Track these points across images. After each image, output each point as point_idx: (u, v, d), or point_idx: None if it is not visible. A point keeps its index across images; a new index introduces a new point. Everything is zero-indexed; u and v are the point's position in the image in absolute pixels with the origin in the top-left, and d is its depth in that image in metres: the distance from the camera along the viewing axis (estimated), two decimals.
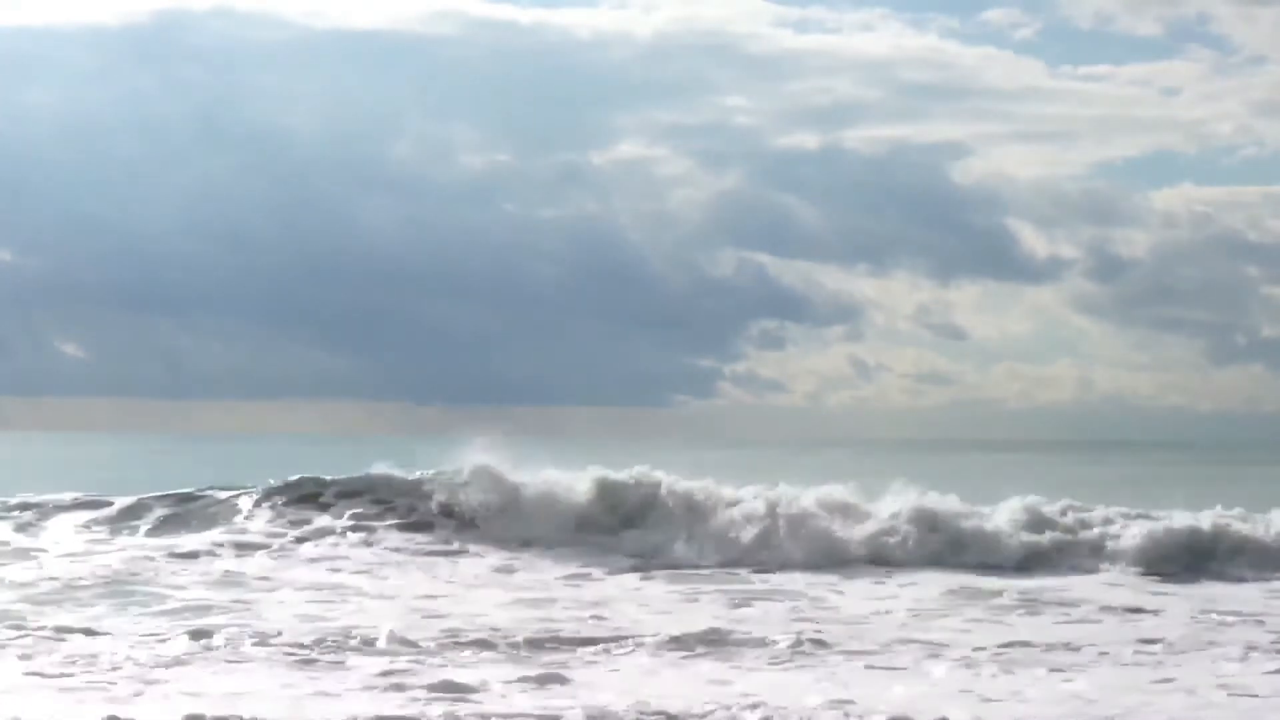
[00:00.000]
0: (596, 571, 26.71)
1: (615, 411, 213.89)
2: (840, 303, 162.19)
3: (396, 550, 28.84)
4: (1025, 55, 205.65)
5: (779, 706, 14.94)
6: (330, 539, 29.74)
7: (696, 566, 27.27)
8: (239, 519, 31.38)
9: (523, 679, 16.22)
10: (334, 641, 18.22)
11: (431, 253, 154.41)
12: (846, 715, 14.75)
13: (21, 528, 30.73)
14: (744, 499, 30.38)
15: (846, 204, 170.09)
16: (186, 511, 32.21)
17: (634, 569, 27.06)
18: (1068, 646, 19.13)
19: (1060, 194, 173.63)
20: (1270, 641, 19.68)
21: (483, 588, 24.58)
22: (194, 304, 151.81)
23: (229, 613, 20.94)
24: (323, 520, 30.96)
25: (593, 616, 21.08)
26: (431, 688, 15.70)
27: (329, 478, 33.01)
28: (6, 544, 28.66)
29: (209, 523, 31.25)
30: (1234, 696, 16.16)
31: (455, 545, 29.50)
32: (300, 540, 29.57)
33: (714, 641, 18.94)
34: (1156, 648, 19.37)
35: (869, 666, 17.68)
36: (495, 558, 28.29)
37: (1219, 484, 42.32)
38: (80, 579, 23.86)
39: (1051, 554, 29.01)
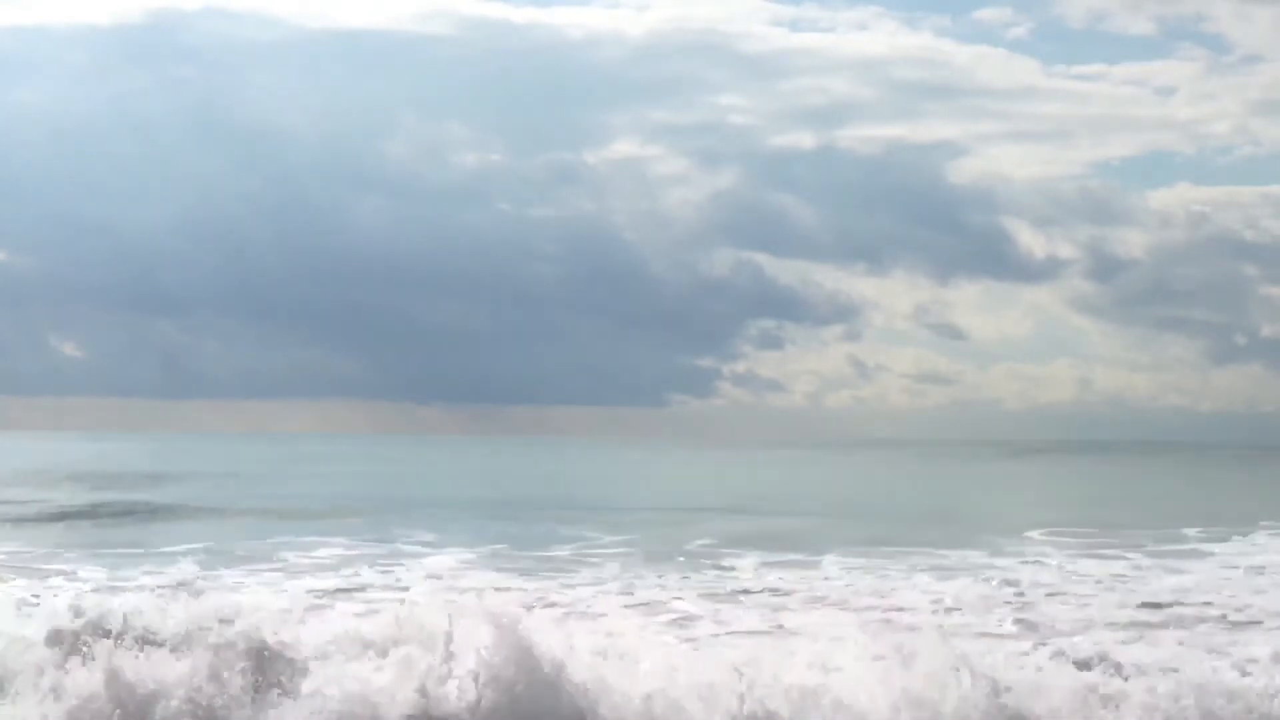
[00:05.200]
0: None
1: (614, 411, 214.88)
2: (838, 302, 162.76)
3: None
4: (1019, 54, 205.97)
5: None
6: None
7: None
8: None
9: None
10: None
11: (426, 252, 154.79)
12: None
13: None
14: None
15: (843, 203, 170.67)
16: None
17: None
18: None
19: (1057, 194, 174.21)
20: None
21: None
22: (191, 304, 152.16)
23: None
24: None
25: None
26: None
27: None
28: None
29: None
30: None
31: None
32: None
33: None
34: None
35: None
36: None
37: None
38: None
39: None
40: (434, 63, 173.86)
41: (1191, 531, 38.75)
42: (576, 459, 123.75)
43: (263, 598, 19.01)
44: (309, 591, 23.82)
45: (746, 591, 24.71)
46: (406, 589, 24.44)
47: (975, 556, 31.45)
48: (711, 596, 23.92)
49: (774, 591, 24.80)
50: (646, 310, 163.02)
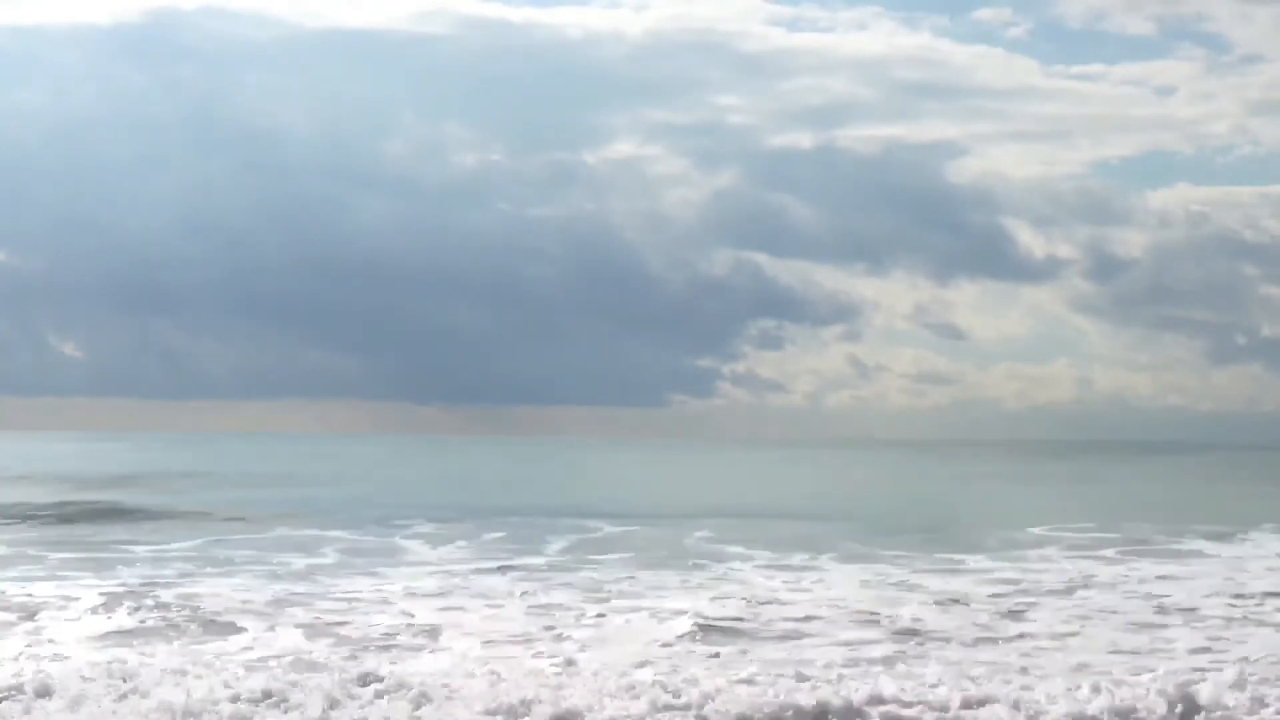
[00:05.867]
0: None
1: (614, 412, 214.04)
2: (838, 302, 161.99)
3: None
4: (1017, 54, 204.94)
5: None
6: None
7: None
8: None
9: None
10: None
11: (426, 252, 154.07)
12: None
13: None
14: None
15: (842, 203, 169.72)
16: None
17: None
18: None
19: (1056, 194, 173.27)
20: None
21: None
22: (191, 304, 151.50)
23: None
24: None
25: None
26: None
27: None
28: None
29: None
30: None
31: None
32: None
33: None
34: None
35: None
36: None
37: None
38: None
39: None
40: (433, 63, 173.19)
41: (1199, 529, 38.31)
42: (576, 459, 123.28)
43: None
44: (279, 596, 23.41)
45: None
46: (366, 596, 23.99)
47: (975, 559, 30.99)
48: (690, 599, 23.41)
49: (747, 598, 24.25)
50: (646, 310, 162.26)
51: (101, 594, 23.30)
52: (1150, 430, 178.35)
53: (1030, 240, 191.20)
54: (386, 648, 18.33)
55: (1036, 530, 38.49)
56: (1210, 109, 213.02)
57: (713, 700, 14.42)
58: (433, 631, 19.79)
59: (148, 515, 43.64)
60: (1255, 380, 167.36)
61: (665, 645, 18.74)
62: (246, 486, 65.91)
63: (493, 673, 15.86)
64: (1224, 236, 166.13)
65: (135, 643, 18.59)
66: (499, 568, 28.46)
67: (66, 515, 42.96)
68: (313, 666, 16.36)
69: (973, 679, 15.79)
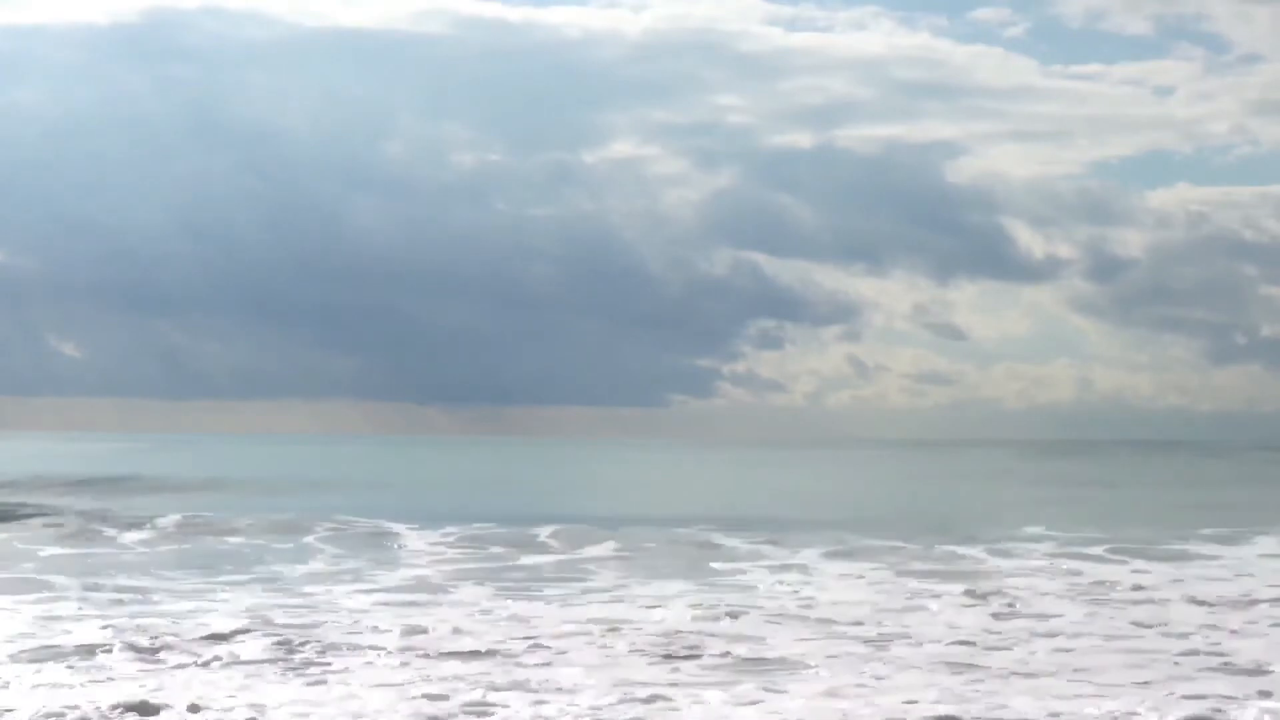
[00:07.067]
0: None
1: (614, 411, 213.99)
2: (838, 302, 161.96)
3: None
4: (1016, 54, 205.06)
5: None
6: None
7: None
8: None
9: None
10: None
11: (426, 252, 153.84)
12: None
13: None
14: None
15: (841, 203, 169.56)
16: None
17: None
18: None
19: (1055, 194, 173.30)
20: None
21: None
22: (190, 304, 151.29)
23: None
24: None
25: None
26: None
27: None
28: None
29: None
30: None
31: None
32: None
33: None
34: None
35: None
36: None
37: None
38: None
39: None
40: (432, 62, 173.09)
41: (1207, 531, 37.89)
42: (575, 459, 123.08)
43: None
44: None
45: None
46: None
47: (972, 561, 30.61)
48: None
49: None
50: (646, 310, 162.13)
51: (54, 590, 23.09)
52: (1150, 430, 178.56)
53: (1030, 240, 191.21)
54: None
55: (1032, 530, 38.14)
56: (1209, 109, 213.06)
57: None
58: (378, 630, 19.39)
59: (137, 514, 43.36)
60: (1255, 380, 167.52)
61: (642, 654, 18.27)
62: (244, 488, 65.62)
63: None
64: (1224, 236, 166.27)
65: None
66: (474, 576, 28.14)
67: (56, 512, 42.67)
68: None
69: (950, 689, 15.39)
